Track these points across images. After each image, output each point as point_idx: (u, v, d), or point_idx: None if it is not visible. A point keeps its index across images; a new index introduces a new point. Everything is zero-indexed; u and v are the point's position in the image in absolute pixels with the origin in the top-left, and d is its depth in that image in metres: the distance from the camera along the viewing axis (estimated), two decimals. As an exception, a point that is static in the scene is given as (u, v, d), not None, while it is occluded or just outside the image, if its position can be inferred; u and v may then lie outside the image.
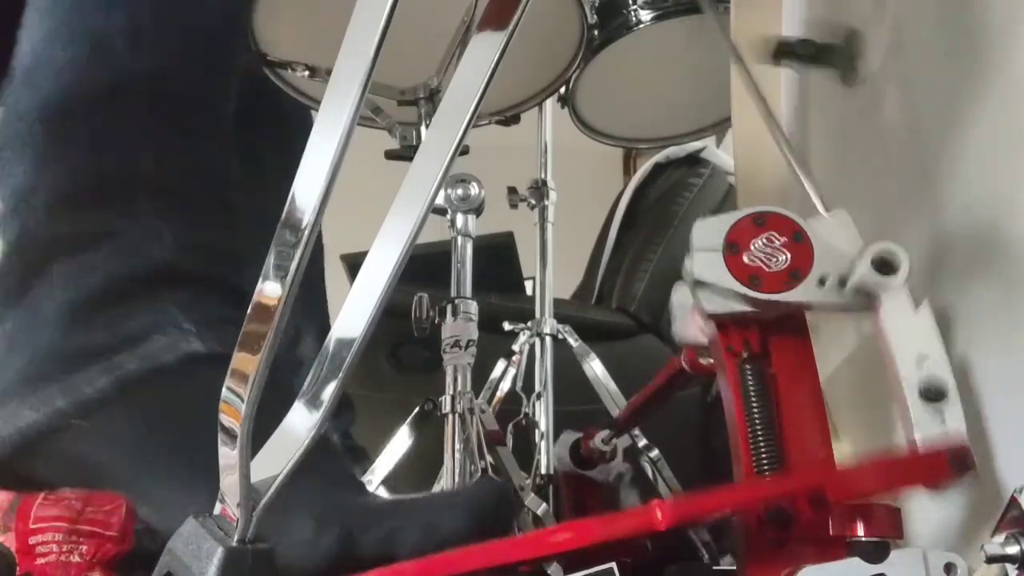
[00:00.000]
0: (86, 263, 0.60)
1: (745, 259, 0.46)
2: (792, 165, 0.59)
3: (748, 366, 0.48)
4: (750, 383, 0.47)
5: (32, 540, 0.85)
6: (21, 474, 0.60)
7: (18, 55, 0.65)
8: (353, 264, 1.48)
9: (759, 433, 0.46)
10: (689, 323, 0.55)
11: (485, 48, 0.38)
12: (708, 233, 0.47)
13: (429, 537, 0.52)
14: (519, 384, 1.15)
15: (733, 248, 0.46)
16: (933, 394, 0.43)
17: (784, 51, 0.69)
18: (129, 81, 0.64)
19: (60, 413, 0.58)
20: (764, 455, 0.46)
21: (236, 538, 0.39)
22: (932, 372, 0.44)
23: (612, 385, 1.12)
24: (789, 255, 0.46)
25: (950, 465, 0.41)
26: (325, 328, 0.99)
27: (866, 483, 0.42)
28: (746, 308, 0.47)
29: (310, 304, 1.00)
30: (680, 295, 0.54)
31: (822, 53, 0.68)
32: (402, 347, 1.40)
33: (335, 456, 0.64)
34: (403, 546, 0.51)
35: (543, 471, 1.08)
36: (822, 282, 0.46)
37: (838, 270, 0.46)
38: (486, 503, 0.56)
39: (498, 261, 1.49)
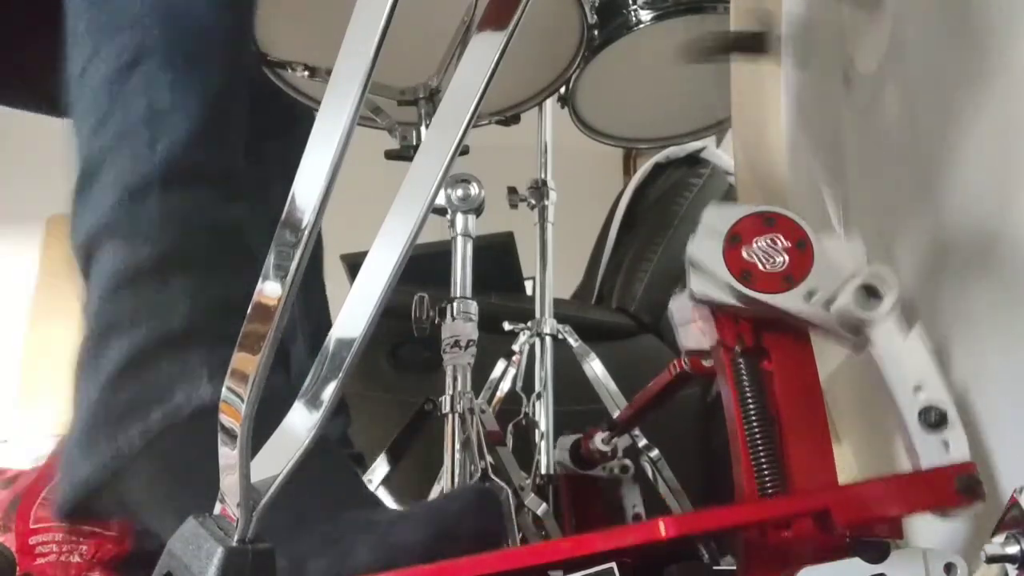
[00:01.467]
0: (128, 338, 0.68)
1: (744, 253, 0.46)
2: (789, 164, 0.59)
3: (742, 361, 0.48)
4: (745, 379, 0.47)
5: (32, 540, 0.85)
6: (89, 515, 0.70)
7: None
8: (353, 264, 1.48)
9: (757, 431, 0.46)
10: (691, 330, 0.55)
11: (485, 48, 0.38)
12: (716, 219, 0.47)
13: (383, 554, 0.53)
14: (519, 384, 1.15)
15: (735, 239, 0.46)
16: (934, 422, 0.43)
17: (736, 45, 0.69)
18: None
19: (106, 468, 0.67)
20: (763, 455, 0.46)
21: (236, 538, 0.39)
22: (930, 399, 0.43)
23: (612, 385, 1.12)
24: (788, 260, 0.46)
25: (958, 491, 0.41)
26: (321, 328, 0.99)
27: (872, 506, 0.42)
28: (732, 301, 0.47)
29: (305, 304, 1.01)
30: (679, 304, 0.54)
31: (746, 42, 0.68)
32: (402, 347, 1.40)
33: (329, 463, 0.66)
34: (355, 564, 0.52)
35: (543, 471, 1.08)
36: (809, 296, 0.46)
37: (829, 290, 0.46)
38: (454, 516, 0.57)
39: (498, 261, 1.49)
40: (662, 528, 0.39)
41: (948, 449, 0.43)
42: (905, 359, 0.44)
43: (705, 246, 0.46)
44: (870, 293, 0.45)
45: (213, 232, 0.72)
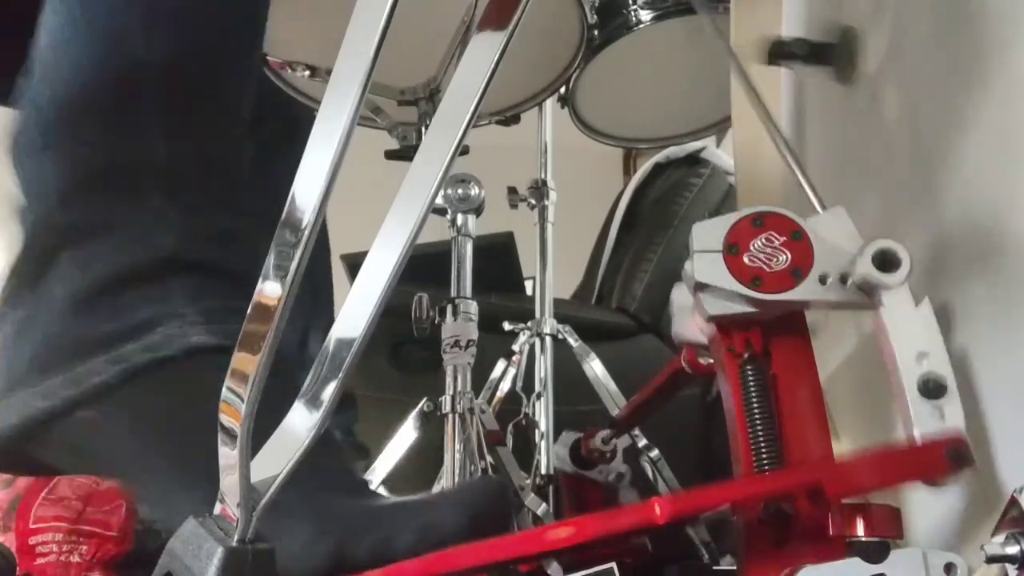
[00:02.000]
0: (93, 252, 0.61)
1: (746, 260, 0.46)
2: (789, 164, 0.59)
3: (749, 367, 0.48)
4: (751, 383, 0.47)
5: (32, 540, 0.86)
6: (25, 458, 0.60)
7: (37, 49, 0.66)
8: (353, 264, 1.48)
9: (759, 433, 0.46)
10: (689, 323, 0.54)
11: (485, 48, 0.38)
12: (707, 235, 0.47)
13: (425, 538, 0.52)
14: (519, 384, 1.15)
15: (733, 249, 0.46)
16: (933, 390, 0.43)
17: (779, 51, 0.69)
18: (143, 73, 0.64)
19: (65, 401, 0.58)
20: (764, 456, 0.46)
21: (236, 538, 0.39)
22: (932, 368, 0.44)
23: (612, 385, 1.12)
24: (789, 254, 0.46)
25: (947, 459, 0.41)
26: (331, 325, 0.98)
27: (864, 478, 0.42)
28: (748, 309, 0.47)
29: (317, 305, 1.00)
30: (679, 295, 0.54)
31: (817, 52, 0.68)
32: (402, 347, 1.40)
33: (334, 455, 0.64)
34: (399, 549, 0.51)
35: (543, 471, 1.08)
36: (823, 280, 0.46)
37: (839, 268, 0.46)
38: (483, 501, 0.56)
39: (498, 261, 1.49)
40: (656, 509, 0.38)
41: (943, 418, 0.43)
42: (913, 326, 0.44)
43: (706, 264, 0.46)
44: (883, 265, 0.45)
45: (204, 161, 0.66)
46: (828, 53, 0.68)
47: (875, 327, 0.46)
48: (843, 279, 0.46)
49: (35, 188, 0.64)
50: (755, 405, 0.47)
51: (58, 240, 0.62)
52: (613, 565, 0.40)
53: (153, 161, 0.63)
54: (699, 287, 0.47)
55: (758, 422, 0.47)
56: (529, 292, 1.46)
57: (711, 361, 0.56)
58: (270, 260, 0.36)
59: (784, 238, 0.46)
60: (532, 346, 1.18)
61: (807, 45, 0.68)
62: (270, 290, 0.36)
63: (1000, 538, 0.39)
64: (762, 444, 0.46)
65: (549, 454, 1.09)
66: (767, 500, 0.43)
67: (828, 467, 0.45)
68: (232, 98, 0.70)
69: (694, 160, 1.73)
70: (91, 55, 0.64)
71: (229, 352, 0.38)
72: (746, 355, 0.48)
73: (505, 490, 0.60)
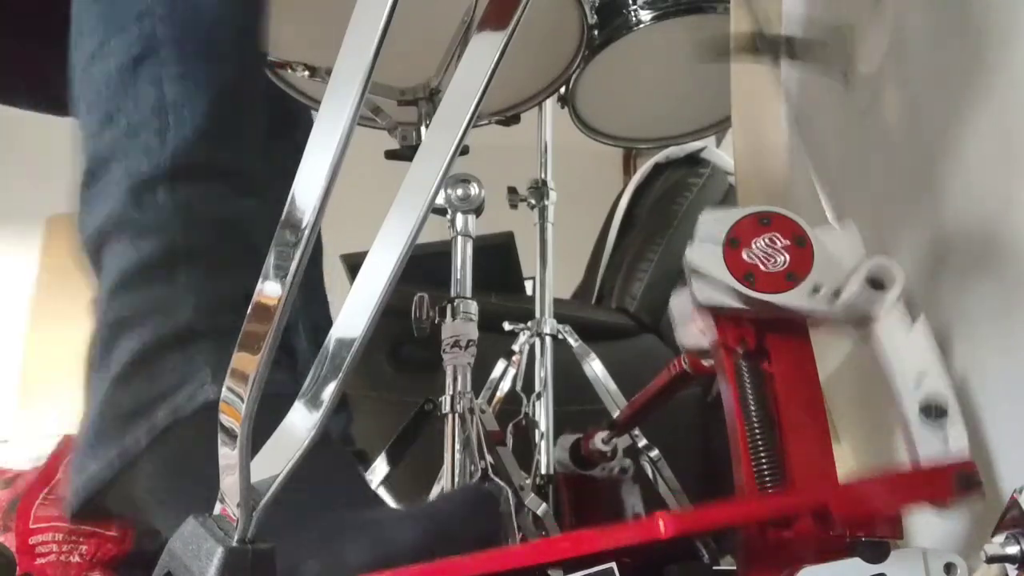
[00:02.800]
0: (135, 335, 0.68)
1: (744, 256, 0.46)
2: (794, 165, 0.59)
3: (744, 363, 0.48)
4: (746, 380, 0.47)
5: (32, 540, 0.85)
6: (96, 509, 0.70)
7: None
8: (353, 264, 1.48)
9: (757, 432, 0.46)
10: (690, 329, 0.54)
11: (485, 48, 0.38)
12: (712, 225, 0.47)
13: (380, 553, 0.53)
14: (519, 384, 1.15)
15: (734, 243, 0.46)
16: (934, 412, 0.43)
17: (759, 46, 0.69)
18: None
19: (112, 465, 0.67)
20: (763, 455, 0.46)
21: (236, 538, 0.39)
22: (932, 390, 0.43)
23: (612, 385, 1.12)
24: (788, 258, 0.46)
25: (957, 484, 0.41)
26: (319, 325, 0.99)
27: (871, 501, 0.42)
28: (738, 304, 0.47)
29: (304, 301, 1.00)
30: (679, 301, 0.54)
31: (799, 49, 0.68)
32: (402, 347, 1.40)
33: (323, 457, 0.66)
34: (352, 564, 0.52)
35: (543, 471, 1.08)
36: (816, 290, 0.46)
37: (834, 282, 0.46)
38: (447, 514, 0.57)
39: (498, 261, 1.49)
40: (661, 525, 0.38)
41: (947, 442, 0.43)
42: (908, 350, 0.44)
43: (705, 253, 0.46)
44: (875, 284, 0.45)
45: (221, 226, 0.72)
46: (810, 51, 0.68)
47: (873, 346, 0.46)
48: (836, 293, 0.46)
49: (98, 294, 0.72)
50: (752, 403, 0.47)
51: (115, 330, 0.70)
52: (613, 565, 0.40)
53: (179, 247, 0.70)
54: (694, 273, 0.47)
55: (755, 420, 0.47)
56: (529, 292, 1.46)
57: (712, 362, 0.56)
58: (270, 260, 0.36)
59: (787, 241, 0.46)
60: (532, 346, 1.18)
61: (781, 41, 0.68)
62: (270, 290, 0.36)
63: (1000, 538, 0.39)
64: (760, 444, 0.46)
65: (549, 454, 1.09)
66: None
67: (835, 490, 0.44)
68: (248, 162, 0.75)
69: (694, 160, 1.73)
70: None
71: None
72: (741, 351, 0.48)
73: (488, 501, 0.61)
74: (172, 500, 0.65)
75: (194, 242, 0.70)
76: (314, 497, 0.60)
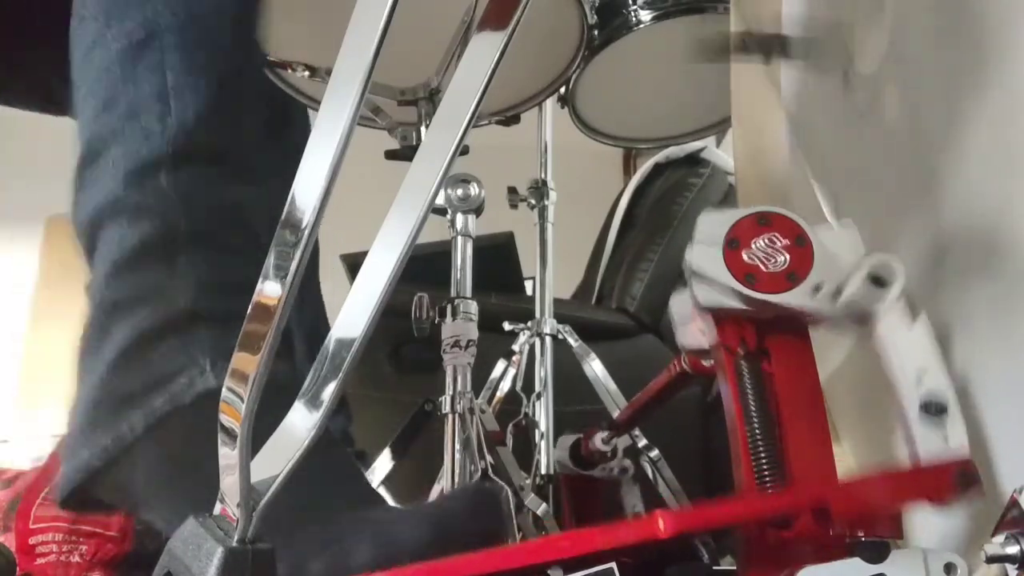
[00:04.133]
0: (132, 318, 0.67)
1: (744, 256, 0.46)
2: (793, 165, 0.59)
3: (744, 363, 0.48)
4: (747, 380, 0.47)
5: (32, 540, 0.85)
6: (88, 498, 0.68)
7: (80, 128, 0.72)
8: (353, 264, 1.48)
9: (757, 432, 0.46)
10: (690, 331, 0.54)
11: (485, 48, 0.38)
12: (712, 226, 0.47)
13: (383, 552, 0.53)
14: (519, 384, 1.15)
15: (734, 244, 0.46)
16: (934, 409, 0.43)
17: (749, 46, 0.69)
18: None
19: (107, 452, 0.65)
20: (763, 455, 0.46)
21: (236, 538, 0.39)
22: (932, 387, 0.43)
23: (612, 385, 1.12)
24: (788, 257, 0.46)
25: (956, 482, 0.41)
26: (317, 328, 0.99)
27: (871, 499, 0.42)
28: (739, 305, 0.47)
29: (300, 303, 1.00)
30: (679, 302, 0.54)
31: (798, 49, 0.68)
32: (402, 347, 1.40)
33: (324, 456, 0.66)
34: (355, 564, 0.52)
35: (543, 471, 1.08)
36: (817, 289, 0.46)
37: (835, 280, 0.46)
38: (451, 513, 0.57)
39: (498, 261, 1.49)
40: (660, 524, 0.38)
41: (947, 440, 0.43)
42: (909, 348, 0.44)
43: (705, 254, 0.46)
44: (876, 282, 0.45)
45: (221, 211, 0.71)
46: (805, 48, 0.68)
47: (874, 343, 0.46)
48: (837, 292, 0.46)
49: (94, 275, 0.71)
50: (752, 403, 0.47)
51: (109, 315, 0.69)
52: (613, 565, 0.40)
53: (182, 229, 0.69)
54: (695, 275, 0.47)
55: (755, 420, 0.47)
56: (529, 292, 1.46)
57: (712, 362, 0.56)
58: (270, 260, 0.36)
59: (787, 241, 0.46)
60: (532, 346, 1.18)
61: (775, 41, 0.68)
62: (270, 290, 0.36)
63: (1000, 538, 0.39)
64: (760, 444, 0.46)
65: (549, 454, 1.09)
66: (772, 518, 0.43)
67: (834, 487, 0.44)
68: (245, 143, 0.75)
69: (694, 160, 1.73)
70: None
71: None
72: (741, 352, 0.48)
73: (490, 500, 0.61)
74: (168, 489, 0.64)
75: (194, 226, 0.69)
76: (316, 497, 0.60)
